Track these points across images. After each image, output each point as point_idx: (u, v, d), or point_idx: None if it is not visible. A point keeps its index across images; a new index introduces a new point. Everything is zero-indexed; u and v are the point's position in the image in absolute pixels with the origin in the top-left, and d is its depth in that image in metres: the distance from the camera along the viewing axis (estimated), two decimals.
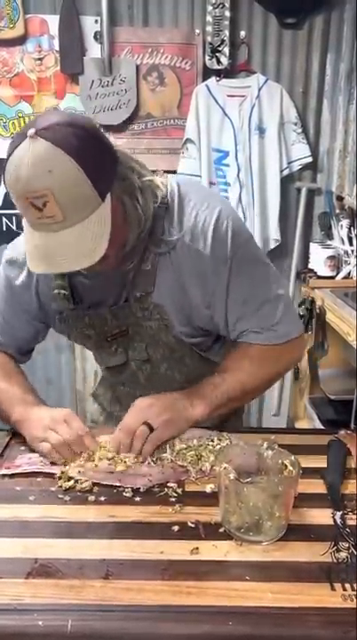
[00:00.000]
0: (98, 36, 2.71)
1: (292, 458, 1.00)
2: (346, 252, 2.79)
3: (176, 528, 0.97)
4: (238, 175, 2.80)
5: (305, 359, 2.90)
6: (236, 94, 2.76)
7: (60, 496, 1.06)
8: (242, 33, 2.74)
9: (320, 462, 1.14)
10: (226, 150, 2.80)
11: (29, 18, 2.68)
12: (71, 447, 1.14)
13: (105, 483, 1.08)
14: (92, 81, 2.73)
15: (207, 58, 2.73)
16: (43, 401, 1.28)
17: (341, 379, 2.79)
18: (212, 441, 1.18)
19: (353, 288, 2.59)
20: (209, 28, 2.69)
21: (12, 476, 1.12)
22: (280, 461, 1.01)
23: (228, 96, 2.76)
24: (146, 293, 1.22)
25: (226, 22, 2.68)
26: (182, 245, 1.17)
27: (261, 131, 2.78)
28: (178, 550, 0.92)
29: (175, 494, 1.06)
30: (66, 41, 2.68)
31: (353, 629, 0.78)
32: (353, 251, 2.76)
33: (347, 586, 0.85)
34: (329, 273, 2.78)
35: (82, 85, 2.75)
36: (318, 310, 2.68)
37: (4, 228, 2.88)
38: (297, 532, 0.96)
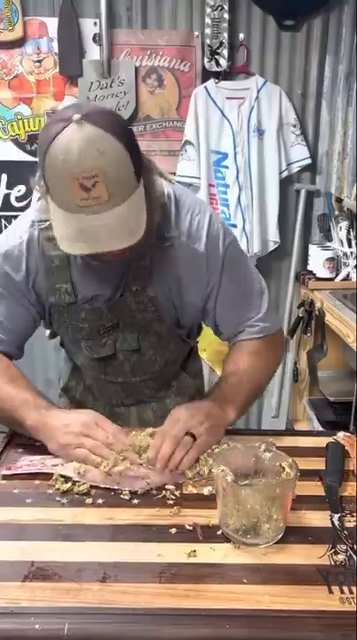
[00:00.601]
0: (97, 39, 2.71)
1: (290, 460, 1.00)
2: (345, 254, 2.79)
3: (173, 531, 0.97)
4: (237, 177, 2.80)
5: (305, 361, 2.90)
6: (235, 96, 2.76)
7: (58, 499, 1.05)
8: (241, 35, 2.75)
9: (318, 464, 1.14)
10: (225, 152, 2.80)
11: (28, 20, 2.68)
12: (110, 447, 1.12)
13: (102, 485, 1.08)
14: (91, 83, 2.74)
15: (206, 60, 2.73)
16: (52, 402, 1.26)
17: (340, 380, 2.79)
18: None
19: (352, 290, 2.58)
20: (207, 31, 2.69)
21: (10, 477, 1.11)
22: (278, 464, 1.01)
23: (227, 98, 2.76)
24: (142, 287, 1.26)
25: (225, 24, 2.68)
26: (180, 244, 1.25)
27: (260, 132, 2.78)
28: (175, 553, 0.91)
29: (173, 497, 1.06)
30: (65, 43, 2.68)
31: (351, 632, 0.77)
32: (352, 252, 2.76)
33: (345, 588, 0.85)
34: (328, 275, 2.78)
35: (81, 87, 2.75)
36: (317, 312, 2.68)
37: (4, 230, 2.89)
38: (294, 535, 0.95)
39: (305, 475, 1.01)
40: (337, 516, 0.99)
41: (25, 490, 1.08)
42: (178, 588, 0.84)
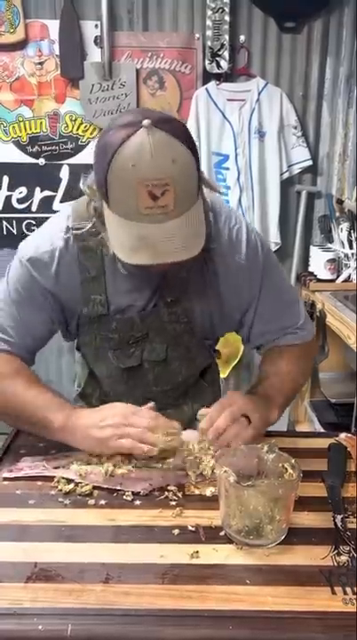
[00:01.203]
0: (98, 41, 2.72)
1: (293, 461, 1.00)
2: (346, 255, 2.79)
3: (176, 532, 0.96)
4: (238, 179, 2.80)
5: None
6: (236, 98, 2.77)
7: (60, 500, 1.05)
8: (242, 37, 2.76)
9: (320, 465, 1.14)
10: (226, 154, 2.81)
11: (30, 22, 2.69)
12: (154, 431, 1.10)
13: (105, 486, 1.08)
14: (92, 85, 2.74)
15: (207, 62, 2.74)
16: (69, 401, 1.24)
17: (341, 382, 2.79)
18: (213, 444, 1.18)
19: (353, 291, 2.58)
20: (208, 33, 2.70)
21: (13, 479, 1.11)
22: (280, 465, 1.00)
23: (228, 100, 2.77)
24: (177, 299, 1.24)
25: (226, 26, 2.69)
26: (220, 255, 1.22)
27: (261, 134, 2.79)
28: (178, 554, 0.91)
29: (175, 498, 1.05)
30: (66, 45, 2.69)
31: (353, 633, 0.77)
32: (353, 254, 2.76)
33: (348, 590, 0.85)
34: (329, 276, 2.78)
35: (82, 89, 2.76)
36: (318, 313, 2.67)
37: (5, 232, 2.88)
38: (297, 536, 0.95)
39: (307, 476, 1.01)
40: (339, 517, 0.99)
41: (27, 491, 1.08)
42: (180, 589, 0.84)
